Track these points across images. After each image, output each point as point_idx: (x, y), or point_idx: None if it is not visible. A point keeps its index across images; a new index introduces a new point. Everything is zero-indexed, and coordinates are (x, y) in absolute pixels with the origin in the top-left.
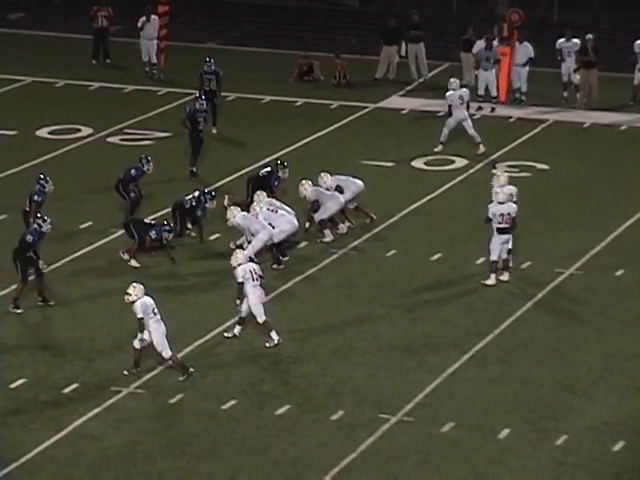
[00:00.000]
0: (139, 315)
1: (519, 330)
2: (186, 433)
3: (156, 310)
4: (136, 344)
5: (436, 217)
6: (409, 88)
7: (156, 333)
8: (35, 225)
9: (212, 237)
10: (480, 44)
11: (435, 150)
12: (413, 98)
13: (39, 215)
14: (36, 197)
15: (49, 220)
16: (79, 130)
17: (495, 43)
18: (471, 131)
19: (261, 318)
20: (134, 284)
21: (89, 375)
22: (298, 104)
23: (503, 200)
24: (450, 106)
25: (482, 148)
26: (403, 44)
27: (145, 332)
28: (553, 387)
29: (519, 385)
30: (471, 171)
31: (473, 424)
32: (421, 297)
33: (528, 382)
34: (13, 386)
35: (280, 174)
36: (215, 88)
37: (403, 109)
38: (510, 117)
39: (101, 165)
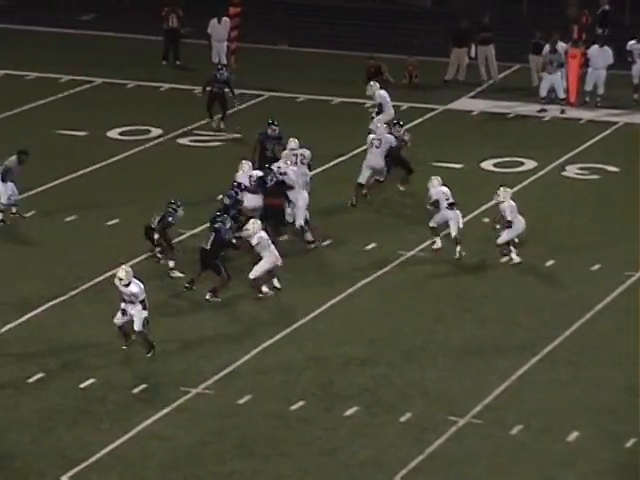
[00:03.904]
0: (141, 297)
1: (589, 333)
2: (255, 434)
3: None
4: (139, 327)
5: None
6: (479, 90)
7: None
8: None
9: (281, 238)
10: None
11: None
12: (483, 100)
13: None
14: (170, 219)
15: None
16: (149, 131)
17: (562, 45)
18: None
19: (253, 275)
20: (124, 267)
21: (158, 375)
22: (367, 106)
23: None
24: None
25: None
26: (473, 46)
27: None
28: (623, 390)
29: (589, 388)
30: (541, 173)
31: (542, 427)
32: (490, 299)
33: (598, 385)
34: (83, 386)
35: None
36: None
37: (473, 111)
38: (580, 119)
39: (171, 166)
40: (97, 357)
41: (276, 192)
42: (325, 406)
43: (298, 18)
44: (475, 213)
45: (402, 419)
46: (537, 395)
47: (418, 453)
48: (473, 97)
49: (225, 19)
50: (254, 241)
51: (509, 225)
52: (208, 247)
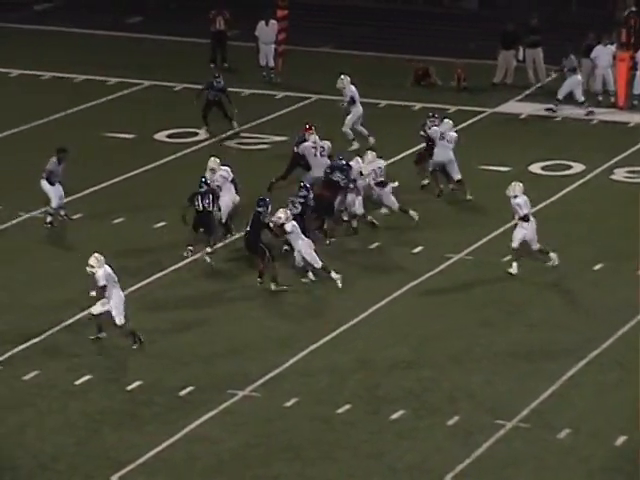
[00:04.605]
0: (101, 283)
1: (637, 336)
2: (301, 437)
3: (116, 279)
4: (95, 310)
5: (553, 222)
6: (527, 93)
7: (115, 300)
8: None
9: (329, 241)
10: (599, 49)
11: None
12: (531, 103)
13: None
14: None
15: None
16: (197, 134)
17: (612, 48)
18: None
19: (317, 264)
20: (95, 255)
21: (205, 378)
22: (415, 109)
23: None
24: None
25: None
26: (520, 48)
27: (106, 300)
28: None
29: (637, 391)
30: (588, 176)
31: (590, 431)
32: (537, 302)
33: None
34: (129, 388)
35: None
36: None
37: (521, 114)
38: (629, 122)
39: None
40: (143, 359)
41: (330, 185)
42: (371, 409)
43: (344, 20)
44: None
45: (449, 422)
46: (585, 399)
47: (465, 457)
48: (521, 100)
49: (273, 22)
50: (288, 228)
51: (526, 219)
52: (249, 229)
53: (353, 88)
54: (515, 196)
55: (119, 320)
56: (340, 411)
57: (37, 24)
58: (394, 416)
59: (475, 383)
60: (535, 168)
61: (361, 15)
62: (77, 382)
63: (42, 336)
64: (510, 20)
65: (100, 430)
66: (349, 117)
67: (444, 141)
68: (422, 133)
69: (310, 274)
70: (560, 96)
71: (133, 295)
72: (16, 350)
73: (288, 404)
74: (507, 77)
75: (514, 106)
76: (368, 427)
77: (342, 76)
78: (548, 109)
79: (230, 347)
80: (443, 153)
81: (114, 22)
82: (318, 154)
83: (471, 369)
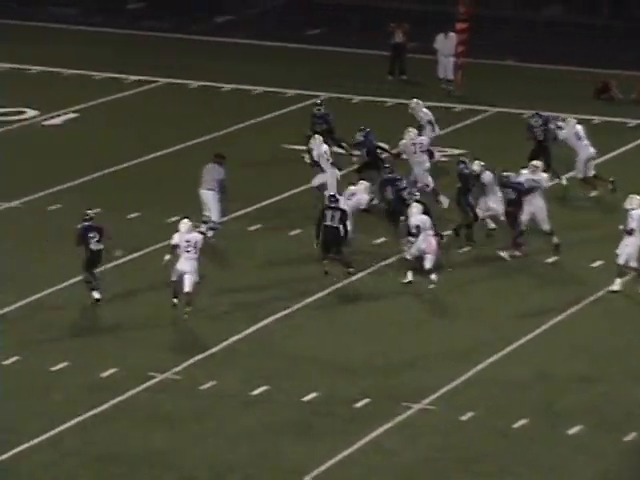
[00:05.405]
0: (173, 242)
1: None
2: (478, 451)
3: (197, 247)
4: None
5: None
6: None
7: (182, 265)
8: None
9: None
10: None
11: None
12: None
13: None
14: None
15: None
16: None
17: None
18: None
19: (428, 266)
20: (184, 220)
21: (381, 390)
22: (595, 122)
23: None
24: None
25: None
26: None
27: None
28: None
29: None
30: None
31: None
32: None
33: None
34: (306, 400)
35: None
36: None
37: None
38: None
39: None
40: (320, 370)
41: (513, 201)
42: (549, 424)
43: (524, 33)
44: None
45: (626, 438)
46: None
47: None
48: None
49: (452, 34)
50: (412, 222)
51: (631, 232)
52: (340, 226)
53: (426, 110)
54: (632, 209)
55: (187, 287)
56: (516, 425)
57: (218, 36)
58: (571, 431)
59: None
60: None
61: (541, 28)
62: (253, 392)
63: (219, 346)
64: None
65: (277, 441)
66: (423, 135)
67: (581, 141)
68: (556, 137)
69: (433, 276)
70: None
71: (309, 307)
72: (193, 360)
73: (464, 417)
74: None
75: None
76: (545, 442)
77: (415, 100)
78: None
79: (406, 358)
80: (586, 151)
81: (294, 34)
82: (418, 151)
83: None
